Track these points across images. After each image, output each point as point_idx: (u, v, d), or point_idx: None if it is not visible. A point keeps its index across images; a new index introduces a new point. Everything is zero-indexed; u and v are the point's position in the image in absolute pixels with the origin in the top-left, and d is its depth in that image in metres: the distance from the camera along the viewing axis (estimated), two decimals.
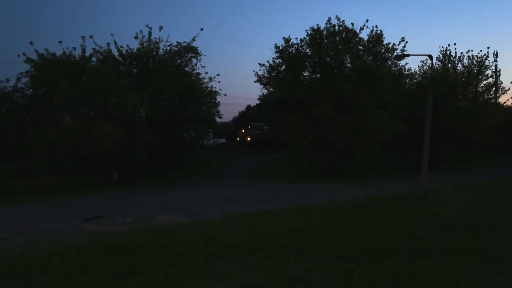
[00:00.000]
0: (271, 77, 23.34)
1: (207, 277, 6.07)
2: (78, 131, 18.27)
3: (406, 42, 21.57)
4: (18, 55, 19.63)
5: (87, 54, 20.63)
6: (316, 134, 20.65)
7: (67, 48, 20.48)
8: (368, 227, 10.06)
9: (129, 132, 20.10)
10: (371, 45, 21.50)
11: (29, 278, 5.93)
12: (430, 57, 16.40)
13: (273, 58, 22.52)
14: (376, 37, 21.43)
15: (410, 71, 28.76)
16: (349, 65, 21.93)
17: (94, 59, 21.23)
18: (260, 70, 23.45)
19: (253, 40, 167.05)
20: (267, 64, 22.92)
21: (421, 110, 19.93)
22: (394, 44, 21.62)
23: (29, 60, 19.70)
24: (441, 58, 27.37)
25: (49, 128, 18.15)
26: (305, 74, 23.09)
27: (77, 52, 20.37)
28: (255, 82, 24.00)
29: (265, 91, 26.59)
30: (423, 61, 28.96)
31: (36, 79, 19.47)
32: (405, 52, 21.24)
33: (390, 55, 21.78)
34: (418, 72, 28.79)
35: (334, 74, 21.23)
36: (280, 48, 21.88)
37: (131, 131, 20.33)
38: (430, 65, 21.94)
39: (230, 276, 6.17)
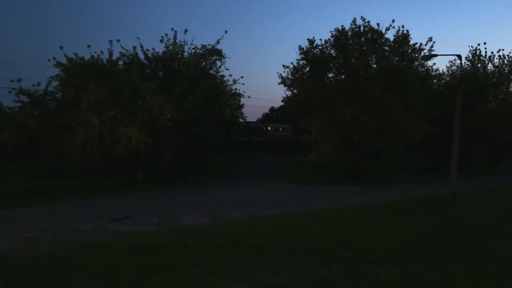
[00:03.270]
0: (295, 79, 23.27)
1: (232, 279, 6.08)
2: (105, 133, 18.67)
3: (434, 42, 21.10)
4: (49, 60, 20.21)
5: (114, 57, 21.08)
6: (341, 136, 20.45)
7: (95, 52, 20.98)
8: (395, 230, 9.87)
9: (154, 134, 20.38)
10: (397, 45, 21.15)
11: (59, 277, 6.09)
12: (459, 57, 16.00)
13: (297, 59, 22.43)
14: (403, 37, 21.07)
15: (438, 72, 28.13)
16: (374, 66, 21.64)
17: (121, 62, 21.68)
18: (284, 71, 23.45)
19: (277, 41, 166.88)
20: (291, 66, 22.86)
21: (449, 111, 19.44)
22: (421, 44, 21.19)
23: (59, 64, 20.25)
24: (471, 58, 26.64)
25: (78, 130, 18.62)
26: (330, 75, 22.92)
27: (105, 56, 20.84)
28: (279, 83, 24.04)
29: (289, 93, 26.55)
30: (451, 61, 28.33)
31: (66, 82, 19.98)
32: (432, 52, 20.77)
33: (417, 55, 21.36)
34: (446, 73, 28.16)
35: (359, 75, 20.98)
36: (304, 49, 21.78)
37: (157, 133, 20.61)
38: (459, 65, 21.42)
39: (254, 278, 6.17)
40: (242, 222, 10.65)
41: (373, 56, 21.29)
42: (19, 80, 19.71)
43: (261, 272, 6.45)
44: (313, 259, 7.29)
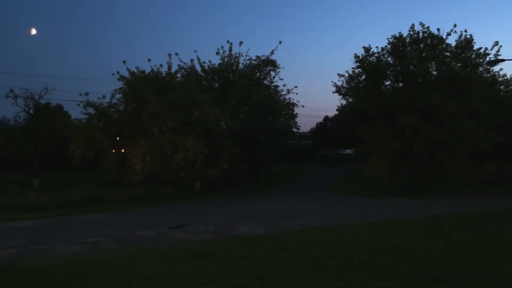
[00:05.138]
0: (350, 87, 22.88)
1: None
2: (164, 144, 19.41)
3: (501, 46, 19.92)
4: (113, 74, 21.48)
5: (173, 70, 21.99)
6: (399, 146, 19.73)
7: (155, 66, 21.99)
8: (459, 246, 9.30)
9: (210, 144, 20.89)
10: (459, 51, 20.21)
11: (123, 280, 6.35)
12: None
13: (352, 68, 22.10)
14: (466, 42, 20.10)
15: (505, 77, 26.40)
16: (434, 72, 20.80)
17: (179, 75, 22.56)
18: (339, 80, 23.15)
19: (331, 50, 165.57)
20: (346, 75, 22.52)
21: None
22: (486, 48, 20.10)
23: (122, 78, 21.44)
24: None
25: (139, 141, 19.52)
26: (387, 83, 22.34)
27: (164, 69, 21.77)
28: (333, 92, 23.72)
29: (343, 102, 26.12)
30: None
31: (128, 95, 21.10)
32: (499, 57, 19.60)
33: (481, 60, 20.26)
34: None
35: (418, 83, 20.23)
36: (360, 57, 21.39)
37: (213, 143, 21.11)
38: None
39: None
40: (298, 233, 10.55)
41: (433, 62, 20.47)
42: (86, 94, 21.11)
43: (319, 284, 6.33)
44: (371, 272, 7.04)
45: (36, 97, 30.07)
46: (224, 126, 22.64)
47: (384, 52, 21.28)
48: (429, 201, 17.70)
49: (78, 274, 6.79)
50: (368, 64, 21.40)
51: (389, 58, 21.35)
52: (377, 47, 21.52)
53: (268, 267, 7.24)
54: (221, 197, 20.05)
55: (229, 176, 23.14)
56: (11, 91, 29.08)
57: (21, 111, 30.83)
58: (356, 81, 22.40)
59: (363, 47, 21.70)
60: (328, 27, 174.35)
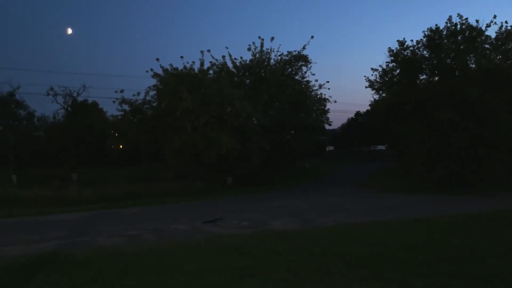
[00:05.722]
0: (384, 82, 22.45)
1: (324, 285, 6.03)
2: (197, 139, 19.71)
3: None
4: (146, 71, 21.92)
5: (205, 67, 22.21)
6: (435, 141, 19.21)
7: (187, 63, 22.27)
8: (500, 244, 9.00)
9: (242, 139, 21.04)
10: (499, 43, 19.43)
11: (162, 272, 6.53)
12: None
13: (386, 62, 21.66)
14: (506, 34, 19.33)
15: None
16: (473, 65, 20.08)
17: (211, 71, 22.77)
18: (372, 75, 22.76)
19: (364, 44, 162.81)
20: (380, 69, 22.09)
21: None
22: None
23: (155, 75, 21.85)
24: None
25: (173, 137, 19.89)
26: (422, 77, 21.76)
27: (196, 66, 22.03)
28: (366, 87, 23.34)
29: (376, 97, 25.65)
30: None
31: (162, 92, 21.50)
32: None
33: None
34: None
35: (455, 76, 19.61)
36: (394, 51, 20.92)
37: (245, 139, 21.25)
38: None
39: (346, 286, 6.05)
40: (331, 229, 10.50)
41: (472, 55, 19.77)
42: (121, 91, 21.66)
43: (353, 281, 6.31)
44: (408, 270, 6.93)
45: (74, 94, 31.13)
46: (256, 122, 22.74)
47: (419, 45, 20.74)
48: (468, 198, 17.17)
49: (118, 265, 7.03)
50: (403, 58, 20.93)
51: (425, 52, 20.78)
52: (412, 40, 21.01)
53: (303, 263, 7.26)
54: (253, 192, 20.16)
55: (261, 171, 23.25)
56: (51, 89, 30.24)
57: (60, 108, 32.03)
58: (390, 75, 21.95)
59: (397, 40, 21.23)
60: (361, 20, 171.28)
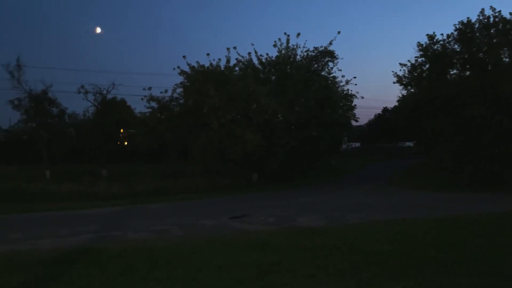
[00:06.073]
0: (412, 77, 22.01)
1: (353, 283, 5.99)
2: (223, 136, 19.86)
3: None
4: (173, 68, 22.24)
5: (231, 64, 22.34)
6: (465, 138, 18.70)
7: (214, 60, 22.46)
8: None
9: (268, 136, 21.07)
10: None
11: (191, 267, 6.64)
12: None
13: (415, 57, 21.26)
14: None
15: None
16: (506, 59, 19.41)
17: (237, 68, 22.88)
18: (400, 70, 22.40)
19: (392, 39, 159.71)
20: (409, 64, 21.66)
21: None
22: None
23: (182, 73, 22.13)
24: None
25: (199, 134, 20.13)
26: (452, 72, 21.23)
27: (222, 63, 22.18)
28: (394, 83, 22.96)
29: (404, 92, 25.18)
30: None
31: (188, 89, 21.76)
32: None
33: None
34: None
35: (488, 71, 19.01)
36: (424, 45, 20.46)
37: (270, 136, 21.27)
38: None
39: (376, 284, 5.98)
40: (358, 226, 10.41)
41: (505, 49, 19.12)
42: (149, 88, 22.07)
43: (382, 278, 6.23)
44: (439, 268, 6.80)
45: (104, 92, 31.84)
46: (281, 118, 22.72)
47: (450, 39, 20.22)
48: (502, 196, 16.64)
49: (148, 259, 7.19)
50: (432, 52, 20.46)
51: (456, 46, 20.26)
52: (442, 34, 20.48)
53: (330, 259, 7.22)
54: (278, 189, 20.18)
55: (286, 168, 23.23)
56: (82, 86, 31.02)
57: (91, 106, 32.84)
58: (419, 70, 21.51)
59: (427, 34, 20.75)
60: (389, 15, 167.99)
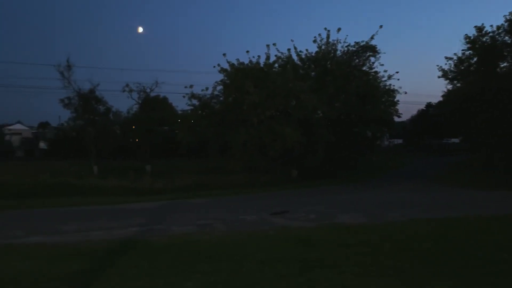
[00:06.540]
0: (459, 71, 21.20)
1: (397, 281, 5.91)
2: (263, 133, 19.96)
3: None
4: (214, 66, 22.53)
5: (270, 60, 22.36)
6: None
7: (253, 57, 22.54)
8: None
9: (308, 132, 20.96)
10: None
11: (234, 260, 6.79)
12: None
13: (462, 50, 20.46)
14: None
15: None
16: None
17: (276, 65, 22.88)
18: (446, 64, 21.60)
19: (436, 32, 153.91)
20: (455, 57, 20.87)
21: None
22: None
23: (222, 70, 22.40)
24: None
25: (239, 130, 20.33)
26: (503, 65, 20.23)
27: (262, 60, 22.24)
28: (439, 77, 22.24)
29: (450, 87, 24.28)
30: None
31: (228, 86, 22.01)
32: None
33: None
34: None
35: None
36: (471, 38, 19.64)
37: (310, 132, 21.15)
38: None
39: (421, 283, 5.87)
40: (402, 224, 10.19)
41: None
42: (191, 86, 22.49)
43: (428, 277, 6.11)
44: (489, 269, 6.57)
45: (148, 90, 32.82)
46: (321, 115, 22.53)
47: (500, 31, 19.28)
48: None
49: (193, 252, 7.41)
50: (481, 44, 19.61)
51: (506, 37, 19.29)
52: (491, 26, 19.57)
53: (373, 257, 7.14)
54: (318, 185, 20.06)
55: (326, 164, 23.02)
56: (127, 85, 32.13)
57: (135, 104, 33.95)
58: (466, 63, 20.69)
59: (475, 26, 19.89)
60: (433, 7, 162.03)
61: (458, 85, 22.77)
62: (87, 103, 30.21)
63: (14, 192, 17.36)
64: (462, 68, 20.89)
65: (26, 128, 76.75)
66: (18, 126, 74.06)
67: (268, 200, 15.28)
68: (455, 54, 20.81)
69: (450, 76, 21.96)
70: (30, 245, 8.20)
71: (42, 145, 61.54)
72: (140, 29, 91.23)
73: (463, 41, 20.04)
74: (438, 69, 21.81)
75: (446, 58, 21.35)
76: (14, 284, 5.62)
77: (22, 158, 49.83)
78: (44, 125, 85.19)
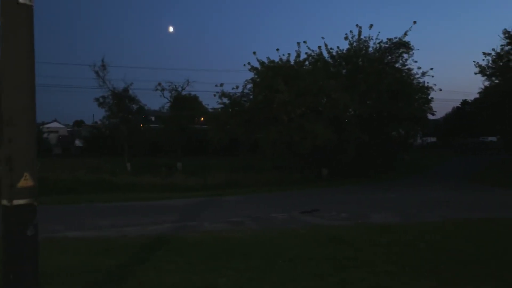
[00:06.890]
0: (497, 67, 20.46)
1: (433, 281, 5.80)
2: (293, 131, 19.92)
3: None
4: (244, 65, 22.64)
5: (301, 58, 22.26)
6: None
7: (283, 55, 22.50)
8: None
9: (338, 130, 20.76)
10: None
11: (266, 258, 6.83)
12: None
13: (501, 45, 19.73)
14: None
15: None
16: None
17: (307, 63, 22.75)
18: (483, 60, 20.87)
19: (473, 27, 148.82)
20: (493, 53, 20.16)
21: None
22: None
23: (252, 69, 22.47)
24: None
25: (269, 128, 20.36)
26: None
27: (292, 57, 22.18)
28: (475, 74, 21.56)
29: (488, 83, 23.46)
30: None
31: (258, 84, 22.07)
32: None
33: None
34: None
35: None
36: (511, 33, 18.92)
37: (341, 130, 20.94)
38: None
39: (458, 284, 5.75)
40: (437, 224, 9.97)
41: None
42: (221, 85, 22.71)
43: (465, 279, 5.97)
44: None
45: (179, 89, 33.38)
46: (353, 112, 22.26)
47: None
48: None
49: (225, 249, 7.50)
50: None
51: None
52: None
53: (407, 257, 7.04)
54: (349, 184, 19.85)
55: (358, 163, 22.73)
56: (159, 84, 32.78)
57: (167, 102, 34.60)
58: (505, 59, 19.94)
59: None
60: (470, 1, 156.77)
61: (496, 81, 22.01)
62: (120, 102, 31.01)
63: (53, 188, 18.07)
64: (501, 64, 20.15)
65: (63, 126, 79.57)
66: (54, 125, 76.79)
67: (298, 198, 15.26)
68: (493, 49, 20.14)
69: (488, 72, 21.27)
70: (69, 239, 8.52)
71: (77, 142, 63.72)
72: (171, 29, 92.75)
73: (502, 36, 19.33)
74: (475, 65, 21.17)
75: (484, 53, 20.67)
76: (55, 277, 5.86)
77: (59, 155, 51.71)
78: (79, 123, 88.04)
